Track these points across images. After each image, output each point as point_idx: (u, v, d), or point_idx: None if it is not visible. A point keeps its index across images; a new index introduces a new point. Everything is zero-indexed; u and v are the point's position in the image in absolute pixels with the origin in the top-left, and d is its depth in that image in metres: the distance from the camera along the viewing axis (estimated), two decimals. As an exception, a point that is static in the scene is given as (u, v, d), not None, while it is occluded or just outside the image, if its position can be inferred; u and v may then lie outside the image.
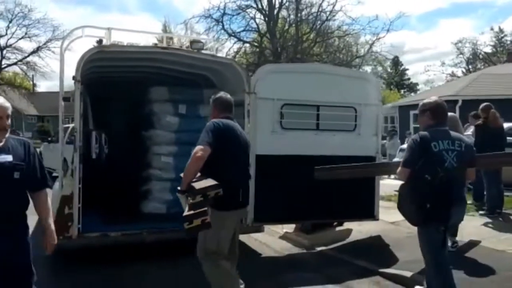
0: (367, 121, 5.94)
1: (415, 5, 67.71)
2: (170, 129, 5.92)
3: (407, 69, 60.83)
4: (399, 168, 3.28)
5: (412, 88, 59.30)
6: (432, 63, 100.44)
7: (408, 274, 4.45)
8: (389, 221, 6.74)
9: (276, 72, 5.66)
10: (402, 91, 56.84)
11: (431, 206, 3.10)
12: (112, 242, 4.91)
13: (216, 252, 3.34)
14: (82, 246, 4.81)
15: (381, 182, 11.07)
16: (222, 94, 3.71)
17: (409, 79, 62.61)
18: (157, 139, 5.95)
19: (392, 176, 10.90)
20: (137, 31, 5.51)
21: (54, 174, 11.41)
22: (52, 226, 2.75)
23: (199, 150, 3.24)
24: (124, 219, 5.28)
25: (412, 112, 17.45)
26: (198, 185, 3.11)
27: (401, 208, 3.38)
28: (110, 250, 4.99)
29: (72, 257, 4.84)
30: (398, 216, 6.93)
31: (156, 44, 5.35)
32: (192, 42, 5.41)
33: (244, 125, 5.33)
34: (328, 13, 28.17)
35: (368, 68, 35.29)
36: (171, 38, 37.03)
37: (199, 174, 3.24)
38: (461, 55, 39.67)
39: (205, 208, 3.06)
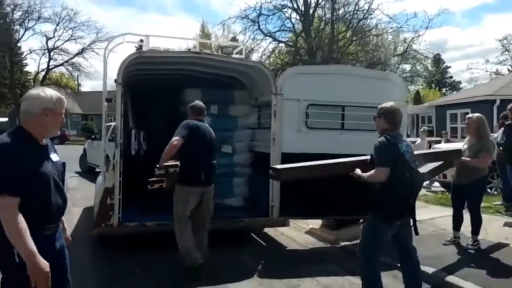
0: (392, 121, 6.09)
1: (459, 0, 65.44)
2: (202, 128, 6.31)
3: (449, 67, 59.09)
4: (378, 168, 3.45)
5: (454, 86, 57.50)
6: (476, 60, 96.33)
7: (424, 268, 4.61)
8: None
9: (302, 74, 5.93)
10: (444, 89, 55.21)
11: (412, 201, 3.46)
12: (149, 231, 5.37)
13: (183, 214, 4.48)
14: (122, 234, 5.29)
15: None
16: (196, 102, 4.80)
17: (451, 77, 60.73)
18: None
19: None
20: (174, 37, 5.96)
21: (97, 170, 12.18)
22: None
23: (175, 140, 4.36)
24: (160, 210, 5.72)
25: (449, 112, 17.14)
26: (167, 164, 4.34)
27: (380, 205, 3.50)
28: (146, 238, 5.45)
29: (112, 243, 5.33)
30: (425, 215, 7.16)
31: (189, 49, 5.75)
32: (222, 47, 5.81)
33: (271, 124, 5.67)
34: (365, 11, 27.94)
35: (407, 67, 34.56)
36: (209, 45, 37.89)
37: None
38: (506, 52, 38.10)
39: (164, 178, 4.28)
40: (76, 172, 13.38)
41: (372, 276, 3.64)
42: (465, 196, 5.38)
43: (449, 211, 7.26)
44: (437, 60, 52.82)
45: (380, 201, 3.46)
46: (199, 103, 4.78)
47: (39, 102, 2.28)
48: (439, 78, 52.24)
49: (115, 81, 5.12)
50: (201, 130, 4.57)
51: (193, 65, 6.12)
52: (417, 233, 3.70)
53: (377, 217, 3.53)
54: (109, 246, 5.35)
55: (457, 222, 5.51)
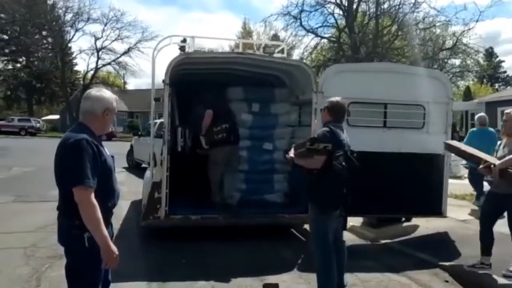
0: (436, 119, 6.01)
1: (513, -10, 61.81)
2: (244, 125, 6.50)
3: (503, 61, 56.35)
4: (316, 156, 3.47)
5: (508, 81, 54.74)
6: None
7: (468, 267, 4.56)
8: (459, 218, 6.73)
9: (343, 72, 5.97)
10: (496, 85, 52.69)
11: (346, 191, 3.52)
12: (193, 224, 5.62)
13: (217, 162, 6.12)
14: (168, 226, 5.57)
15: (458, 181, 10.82)
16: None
17: (505, 71, 57.84)
18: (233, 134, 6.56)
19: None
20: (218, 38, 6.18)
21: (143, 165, 12.68)
22: None
23: (208, 111, 6.04)
24: (204, 205, 5.97)
25: (499, 109, 16.40)
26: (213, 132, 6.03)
27: (313, 193, 3.59)
28: (192, 230, 5.72)
29: (160, 235, 5.63)
30: (469, 215, 6.96)
31: (233, 49, 5.95)
32: (265, 47, 5.95)
33: (311, 122, 5.75)
34: (411, 5, 27.18)
35: (456, 61, 33.23)
36: (251, 36, 37.93)
37: None
38: None
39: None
40: (124, 167, 13.99)
41: (327, 268, 3.64)
42: (504, 208, 4.38)
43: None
44: (490, 54, 50.42)
45: (316, 192, 3.55)
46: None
47: (102, 103, 2.52)
48: (491, 73, 49.80)
49: (163, 81, 5.39)
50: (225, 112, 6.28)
51: (236, 65, 6.31)
52: (345, 227, 3.79)
53: (314, 208, 3.64)
54: (156, 237, 5.65)
55: (487, 243, 4.49)
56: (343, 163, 3.51)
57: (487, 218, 4.54)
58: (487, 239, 4.48)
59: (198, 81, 6.93)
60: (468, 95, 33.90)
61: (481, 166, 4.19)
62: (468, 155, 4.62)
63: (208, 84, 6.92)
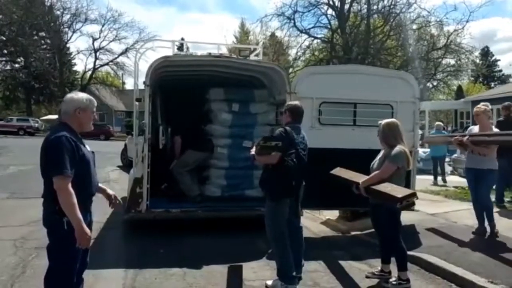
0: (404, 118, 6.30)
1: (509, -11, 62.02)
2: (225, 124, 6.84)
3: (499, 60, 56.60)
4: (274, 153, 3.91)
5: (503, 80, 55.04)
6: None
7: (424, 256, 4.93)
8: (429, 212, 7.07)
9: (315, 74, 6.32)
10: (492, 84, 52.99)
11: (295, 184, 3.94)
12: (173, 217, 5.97)
13: (186, 166, 6.65)
14: (149, 219, 5.92)
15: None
16: None
17: (500, 70, 58.09)
18: (214, 133, 6.92)
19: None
20: (199, 42, 6.54)
21: (135, 164, 13.03)
22: None
23: (178, 142, 6.72)
24: (183, 199, 6.32)
25: (485, 107, 16.73)
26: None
27: (266, 184, 4.12)
28: (171, 223, 6.06)
29: (141, 227, 5.99)
30: (440, 208, 7.35)
31: (210, 53, 6.29)
32: (240, 50, 6.30)
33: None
34: (402, 6, 27.54)
35: (451, 61, 33.49)
36: (248, 36, 38.06)
37: None
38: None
39: None
40: (118, 166, 14.32)
41: (282, 251, 4.06)
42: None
43: (465, 205, 7.44)
44: (485, 53, 50.71)
45: (268, 181, 4.03)
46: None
47: (73, 104, 2.89)
48: (487, 71, 50.07)
49: (144, 82, 5.74)
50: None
51: (215, 67, 6.66)
52: (297, 215, 4.20)
53: (268, 197, 4.07)
54: (138, 229, 6.01)
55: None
56: (294, 160, 3.93)
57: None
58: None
59: (181, 82, 7.27)
60: (459, 94, 34.26)
61: (353, 189, 4.42)
62: (343, 179, 4.66)
63: (190, 85, 7.27)
